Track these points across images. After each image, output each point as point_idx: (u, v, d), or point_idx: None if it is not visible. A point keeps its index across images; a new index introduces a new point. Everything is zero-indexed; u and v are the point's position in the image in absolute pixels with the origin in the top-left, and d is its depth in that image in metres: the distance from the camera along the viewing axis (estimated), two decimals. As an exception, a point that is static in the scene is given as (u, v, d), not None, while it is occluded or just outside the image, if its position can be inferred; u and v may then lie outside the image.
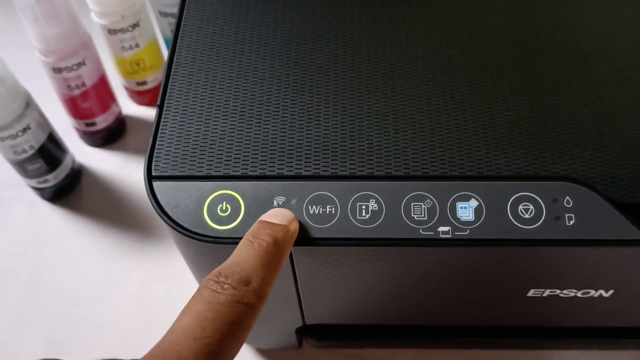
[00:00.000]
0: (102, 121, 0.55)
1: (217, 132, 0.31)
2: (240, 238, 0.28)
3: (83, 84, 0.50)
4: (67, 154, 0.53)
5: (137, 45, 0.53)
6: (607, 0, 0.35)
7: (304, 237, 0.28)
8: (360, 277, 0.32)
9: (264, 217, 0.28)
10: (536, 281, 0.32)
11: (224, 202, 0.29)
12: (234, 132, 0.31)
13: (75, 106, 0.52)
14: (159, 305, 0.48)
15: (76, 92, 0.51)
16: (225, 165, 0.30)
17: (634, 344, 0.41)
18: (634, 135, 0.30)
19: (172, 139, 0.31)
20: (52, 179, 0.52)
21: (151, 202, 0.29)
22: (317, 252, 0.29)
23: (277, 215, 0.28)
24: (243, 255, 0.26)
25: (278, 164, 0.30)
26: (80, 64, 0.49)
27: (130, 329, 0.47)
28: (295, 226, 0.28)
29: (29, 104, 0.46)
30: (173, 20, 0.53)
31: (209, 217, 0.29)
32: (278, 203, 0.29)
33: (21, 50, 0.56)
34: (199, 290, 0.25)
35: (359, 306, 0.36)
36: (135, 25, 0.51)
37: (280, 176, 0.30)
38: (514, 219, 0.28)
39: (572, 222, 0.28)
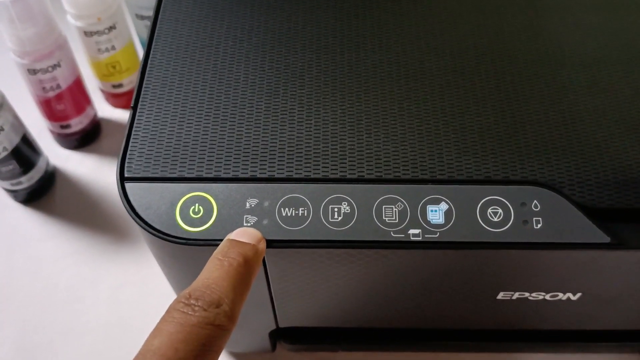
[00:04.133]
0: (77, 123, 0.54)
1: (190, 134, 0.31)
2: (213, 240, 0.28)
3: (58, 86, 0.50)
4: (41, 156, 0.52)
5: (113, 47, 0.52)
6: (577, 10, 0.36)
7: (277, 240, 0.28)
8: (332, 280, 0.32)
9: (232, 235, 0.28)
10: (505, 284, 0.32)
11: (197, 204, 0.29)
12: (207, 135, 0.31)
13: (50, 108, 0.52)
14: (131, 310, 0.47)
15: (51, 94, 0.50)
16: (198, 167, 0.30)
17: (604, 347, 0.41)
18: (601, 142, 0.31)
19: (145, 140, 0.31)
20: (26, 181, 0.51)
21: (123, 203, 0.29)
22: (290, 254, 0.29)
23: (245, 234, 0.28)
24: (213, 277, 0.26)
25: (251, 167, 0.30)
26: (55, 66, 0.49)
27: (102, 334, 0.47)
28: (263, 245, 0.28)
29: (2, 105, 0.46)
30: (150, 24, 0.53)
31: (182, 219, 0.29)
32: (250, 205, 0.29)
33: (-5, 51, 0.55)
34: (168, 312, 0.25)
35: (332, 309, 0.36)
36: (111, 28, 0.51)
37: (253, 178, 0.30)
38: (483, 222, 0.29)
39: (539, 225, 0.28)
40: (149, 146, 0.31)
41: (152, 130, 0.31)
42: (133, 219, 0.29)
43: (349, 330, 0.41)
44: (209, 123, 0.31)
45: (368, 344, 0.42)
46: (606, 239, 0.28)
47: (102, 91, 0.58)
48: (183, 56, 0.34)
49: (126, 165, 0.30)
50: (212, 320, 0.24)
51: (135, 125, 0.31)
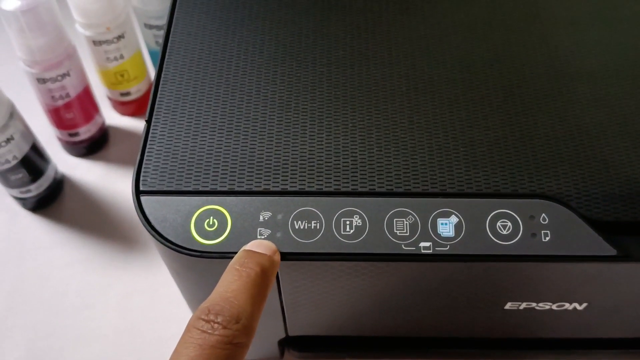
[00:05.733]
0: (86, 131, 0.55)
1: (204, 148, 0.32)
2: (227, 252, 0.29)
3: (67, 95, 0.51)
4: (50, 164, 0.53)
5: (121, 56, 0.53)
6: (584, 24, 0.37)
7: (289, 252, 0.29)
8: (343, 291, 0.32)
9: (248, 247, 0.28)
10: (513, 295, 0.33)
11: (211, 217, 0.30)
12: (220, 148, 0.31)
13: (58, 116, 0.52)
14: (140, 317, 0.48)
15: (60, 102, 0.51)
16: (212, 180, 0.31)
17: (609, 355, 0.42)
18: (608, 155, 0.31)
19: (160, 154, 0.31)
20: (35, 189, 0.52)
21: (139, 216, 0.30)
22: (302, 266, 0.30)
23: (261, 246, 0.28)
24: (232, 289, 0.26)
25: (264, 180, 0.30)
26: (64, 75, 0.49)
27: (111, 341, 0.47)
28: (277, 257, 0.28)
29: (12, 114, 0.46)
30: (158, 33, 0.54)
31: (197, 231, 0.29)
32: (264, 218, 0.30)
33: (5, 61, 0.56)
34: (187, 330, 0.25)
35: (342, 319, 0.36)
36: (120, 37, 0.52)
37: (266, 192, 0.30)
38: (492, 235, 0.29)
39: (547, 238, 0.29)
40: (163, 159, 0.31)
41: (166, 144, 0.32)
42: (149, 231, 0.29)
43: (356, 338, 0.41)
44: (222, 136, 0.32)
45: (375, 352, 0.42)
46: (613, 252, 0.29)
47: (110, 99, 0.59)
48: (196, 70, 0.34)
49: (141, 178, 0.31)
50: (231, 339, 0.24)
51: (150, 138, 0.32)
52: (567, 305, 0.34)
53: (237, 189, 0.30)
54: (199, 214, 0.30)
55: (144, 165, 0.31)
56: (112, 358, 0.46)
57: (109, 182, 0.55)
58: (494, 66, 0.35)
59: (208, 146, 0.32)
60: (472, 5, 0.37)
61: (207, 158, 0.31)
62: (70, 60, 0.49)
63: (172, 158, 0.31)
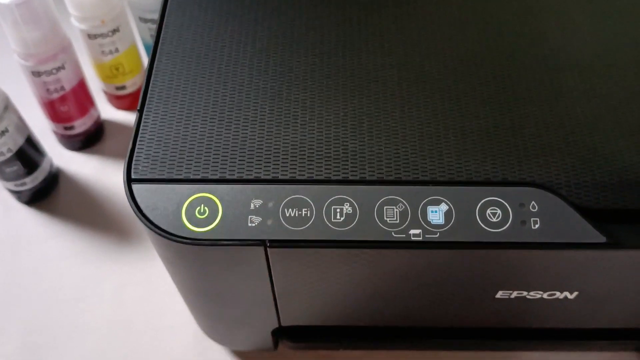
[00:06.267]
0: (81, 125, 0.55)
1: (195, 137, 0.32)
2: (218, 240, 0.29)
3: (62, 88, 0.51)
4: (45, 157, 0.53)
5: (116, 50, 0.53)
6: (574, 14, 0.37)
7: (280, 240, 0.29)
8: (335, 279, 0.32)
9: None
10: (504, 283, 0.33)
11: (202, 205, 0.30)
12: (212, 137, 0.32)
13: (53, 110, 0.53)
14: (135, 309, 0.48)
15: (55, 95, 0.51)
16: (203, 168, 0.31)
17: (601, 345, 0.42)
18: (598, 144, 0.31)
19: (152, 142, 0.31)
20: (30, 182, 0.52)
21: (130, 204, 0.30)
22: (293, 254, 0.30)
23: None
24: None
25: (255, 168, 0.31)
26: (59, 68, 0.49)
27: (106, 333, 0.47)
28: None
29: (7, 107, 0.47)
30: (153, 26, 0.54)
31: (187, 219, 0.30)
32: (255, 206, 0.30)
33: (0, 54, 0.56)
34: None
35: (334, 308, 0.37)
36: (115, 31, 0.52)
37: (257, 180, 0.30)
38: (482, 223, 0.29)
39: (537, 226, 0.29)
40: (155, 148, 0.31)
41: (158, 133, 0.32)
42: (140, 219, 0.30)
43: (350, 328, 0.41)
44: (214, 125, 0.32)
45: (369, 342, 0.42)
46: (602, 239, 0.29)
47: (106, 93, 0.59)
48: (188, 60, 0.35)
49: (133, 166, 0.31)
50: None
51: (141, 127, 0.32)
52: (558, 294, 0.34)
53: (228, 177, 0.30)
54: (190, 201, 0.30)
55: (135, 154, 0.31)
56: (107, 350, 0.46)
57: (104, 175, 0.56)
58: (485, 57, 0.35)
59: (199, 135, 0.32)
60: (464, -4, 0.37)
61: (198, 146, 0.31)
62: (65, 53, 0.49)
63: (164, 147, 0.31)
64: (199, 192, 0.30)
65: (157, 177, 0.31)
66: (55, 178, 0.55)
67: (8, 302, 0.49)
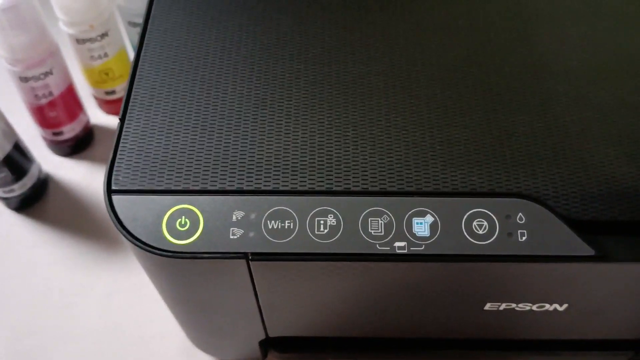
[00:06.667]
0: (70, 130, 0.54)
1: (177, 147, 0.31)
2: (199, 253, 0.28)
3: (50, 93, 0.50)
4: (34, 164, 0.52)
5: (105, 54, 0.53)
6: (564, 21, 0.36)
7: (263, 252, 0.28)
8: (319, 291, 0.32)
9: None
10: (492, 295, 0.32)
11: (183, 217, 0.29)
12: (194, 147, 0.31)
13: (42, 115, 0.52)
14: (122, 315, 0.48)
15: (43, 101, 0.50)
16: (185, 179, 0.30)
17: (592, 357, 0.42)
18: (586, 154, 0.31)
19: (133, 152, 0.31)
20: (18, 189, 0.51)
21: (110, 216, 0.29)
22: (277, 266, 0.30)
23: None
24: None
25: (238, 179, 0.30)
26: (47, 73, 0.49)
27: (94, 339, 0.47)
28: None
29: (-7, 113, 0.46)
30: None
31: (168, 231, 0.29)
32: (237, 218, 0.29)
33: (-12, 58, 0.55)
34: None
35: (320, 319, 0.36)
36: (104, 35, 0.51)
37: (239, 191, 0.30)
38: (468, 235, 0.29)
39: (524, 238, 0.29)
40: (136, 158, 0.31)
41: (139, 143, 0.31)
42: (120, 231, 0.29)
43: (338, 339, 0.41)
44: (196, 135, 0.31)
45: (357, 353, 0.42)
46: (590, 252, 0.28)
47: (95, 98, 0.58)
48: (171, 67, 0.34)
49: (113, 177, 0.30)
50: None
51: (122, 137, 0.31)
52: (547, 306, 0.33)
53: (209, 188, 0.30)
54: (171, 213, 0.29)
55: (116, 164, 0.31)
56: (95, 357, 0.46)
57: (93, 181, 0.55)
58: (473, 64, 0.34)
59: (181, 145, 0.31)
60: (451, 2, 0.37)
61: (180, 157, 0.31)
62: (53, 58, 0.49)
63: (145, 157, 0.31)
64: (180, 204, 0.30)
65: (137, 187, 0.30)
66: (44, 184, 0.54)
67: (-5, 309, 0.48)
